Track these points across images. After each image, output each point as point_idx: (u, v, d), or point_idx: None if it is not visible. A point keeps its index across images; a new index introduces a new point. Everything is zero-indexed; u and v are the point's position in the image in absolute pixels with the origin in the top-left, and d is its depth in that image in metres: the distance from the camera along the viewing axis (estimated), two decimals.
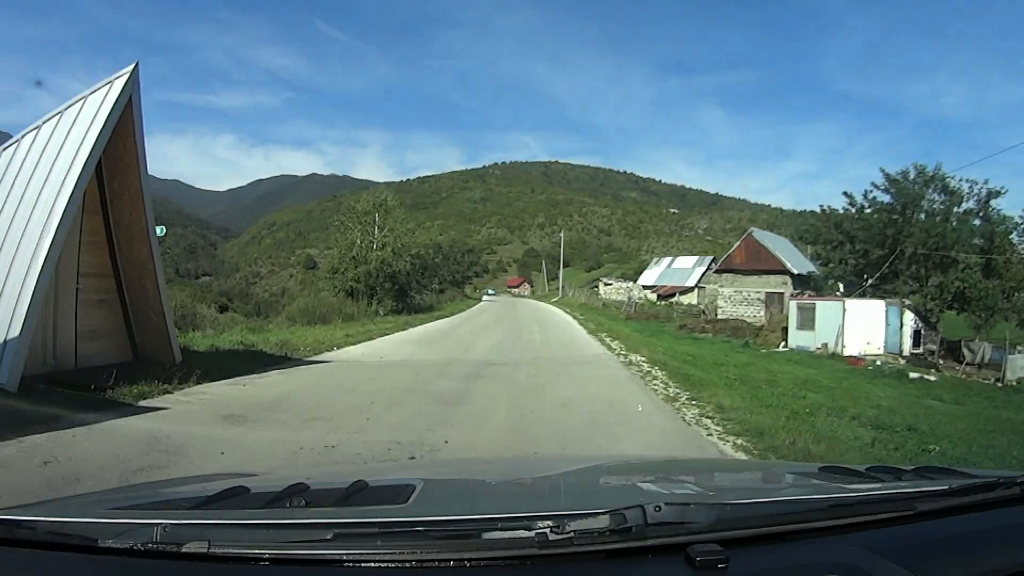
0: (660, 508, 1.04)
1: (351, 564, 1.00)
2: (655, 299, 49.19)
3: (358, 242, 32.02)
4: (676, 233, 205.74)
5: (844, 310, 22.32)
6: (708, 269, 46.59)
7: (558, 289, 75.57)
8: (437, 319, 28.63)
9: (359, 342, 16.05)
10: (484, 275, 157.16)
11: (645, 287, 54.44)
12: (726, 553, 1.00)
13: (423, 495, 1.38)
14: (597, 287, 66.12)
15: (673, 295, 48.57)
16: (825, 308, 23.04)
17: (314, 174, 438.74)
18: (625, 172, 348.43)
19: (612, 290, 59.18)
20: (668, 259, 62.35)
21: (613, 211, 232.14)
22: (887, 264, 23.08)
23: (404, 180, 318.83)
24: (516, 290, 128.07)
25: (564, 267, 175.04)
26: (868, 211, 24.74)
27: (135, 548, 1.01)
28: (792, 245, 38.80)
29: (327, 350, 13.87)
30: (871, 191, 25.09)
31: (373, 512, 1.22)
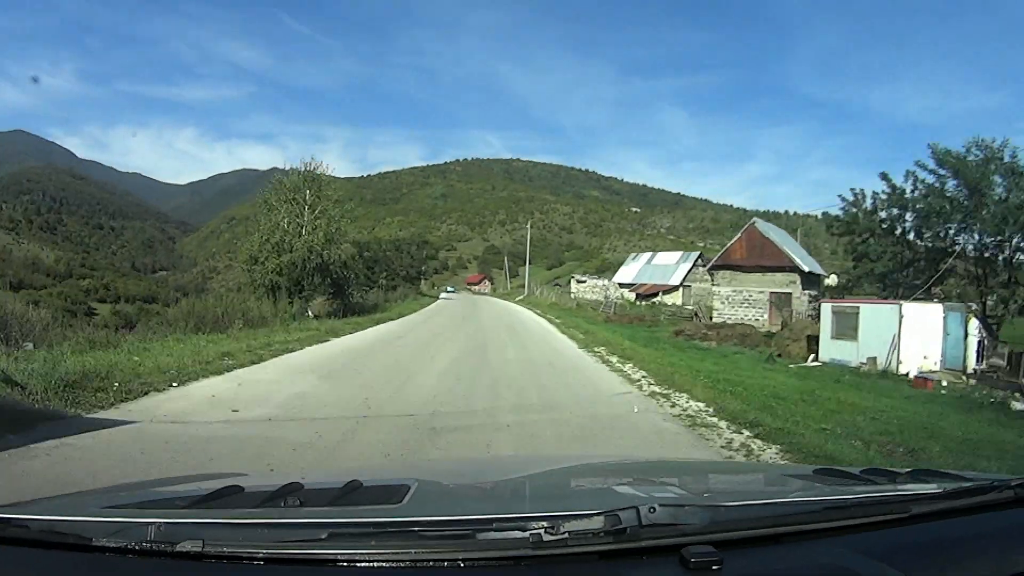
0: (655, 509, 1.04)
1: (346, 564, 0.99)
2: (633, 299, 44.13)
3: (284, 225, 25.70)
4: (639, 231, 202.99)
5: (901, 316, 17.43)
6: (695, 265, 41.88)
7: (522, 287, 70.53)
8: (378, 323, 22.73)
9: (236, 367, 10.09)
10: (443, 272, 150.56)
11: (622, 285, 49.08)
12: (720, 555, 1.00)
13: (418, 495, 1.37)
14: (566, 285, 60.94)
15: (655, 294, 43.68)
16: (873, 313, 18.08)
17: (275, 168, 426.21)
18: (587, 171, 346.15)
19: (586, 288, 53.39)
20: (647, 255, 57.13)
21: (575, 209, 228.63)
22: (952, 258, 18.27)
23: (364, 176, 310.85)
24: (477, 287, 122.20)
25: (524, 265, 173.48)
26: (917, 194, 19.89)
27: (129, 547, 1.00)
28: (793, 240, 34.21)
29: (166, 386, 8.04)
30: (914, 171, 20.31)
31: (368, 512, 1.21)
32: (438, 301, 47.80)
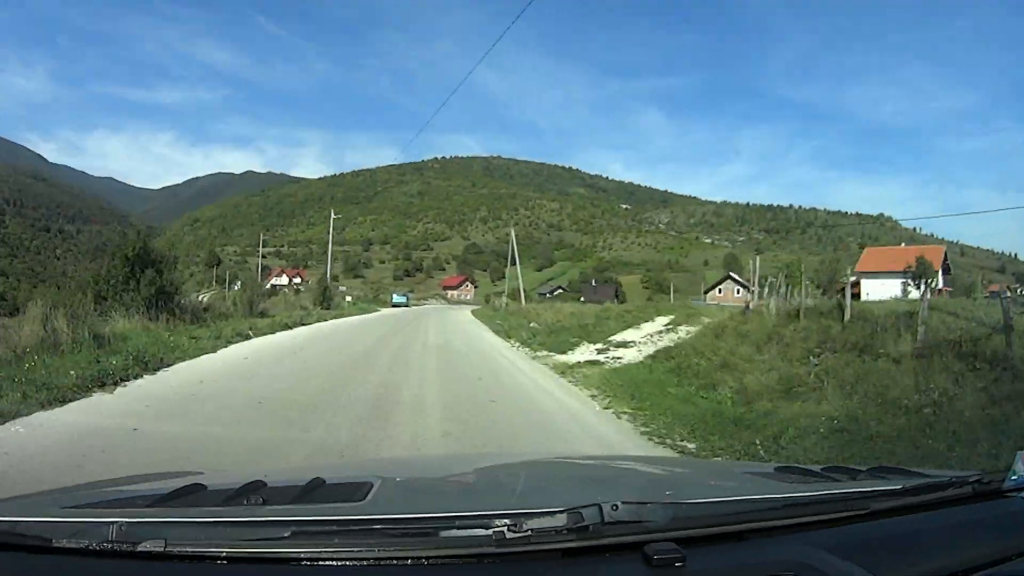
0: (617, 507, 1.05)
1: (308, 563, 0.99)
2: None
3: None
4: (634, 228, 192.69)
5: None
6: None
7: (514, 293, 50.54)
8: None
9: None
10: (416, 274, 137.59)
11: None
12: (683, 552, 1.01)
13: (381, 493, 1.36)
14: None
15: None
16: None
17: (250, 171, 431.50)
18: (570, 168, 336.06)
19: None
20: None
21: (563, 205, 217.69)
22: None
23: (337, 174, 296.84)
24: (455, 293, 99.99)
25: (512, 265, 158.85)
26: None
27: (90, 547, 1.00)
28: None
29: None
30: None
31: (330, 510, 1.21)
32: (356, 318, 29.88)
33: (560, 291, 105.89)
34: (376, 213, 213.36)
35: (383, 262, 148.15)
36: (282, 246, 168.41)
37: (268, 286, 54.98)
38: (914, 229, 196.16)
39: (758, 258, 27.53)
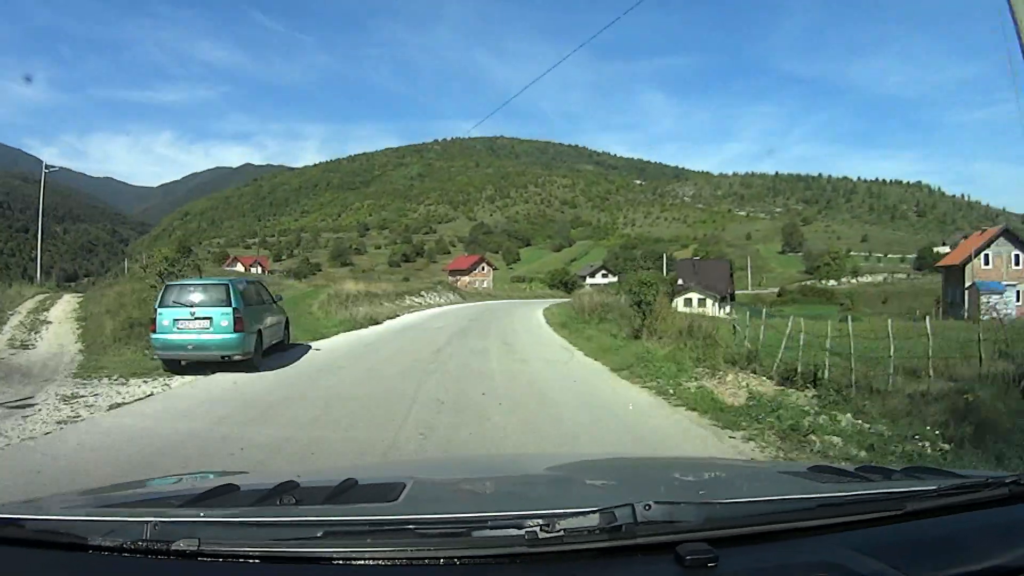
0: (650, 507, 1.04)
1: (341, 562, 0.99)
2: None
3: None
4: (658, 202, 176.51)
5: None
6: None
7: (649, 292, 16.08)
8: None
9: None
10: (416, 259, 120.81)
11: None
12: (715, 552, 1.01)
13: (413, 493, 1.35)
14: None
15: None
16: None
17: (247, 164, 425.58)
18: (576, 146, 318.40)
19: None
20: None
21: (575, 182, 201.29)
22: None
23: (332, 160, 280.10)
24: (468, 279, 71.61)
25: (525, 247, 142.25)
26: None
27: (125, 546, 1.01)
28: None
29: None
30: None
31: (363, 510, 1.21)
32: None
33: (604, 272, 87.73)
34: (375, 198, 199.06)
35: (378, 247, 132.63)
36: (271, 236, 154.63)
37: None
38: (962, 197, 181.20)
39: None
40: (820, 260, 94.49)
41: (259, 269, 74.82)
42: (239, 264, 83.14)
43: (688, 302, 43.28)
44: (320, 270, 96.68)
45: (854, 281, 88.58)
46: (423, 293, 35.97)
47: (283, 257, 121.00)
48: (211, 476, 1.78)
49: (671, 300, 23.03)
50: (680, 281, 51.29)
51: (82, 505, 1.38)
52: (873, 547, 1.09)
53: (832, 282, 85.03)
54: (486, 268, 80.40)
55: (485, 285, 68.17)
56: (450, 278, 63.84)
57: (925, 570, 1.05)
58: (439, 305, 33.06)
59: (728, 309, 40.66)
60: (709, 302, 46.25)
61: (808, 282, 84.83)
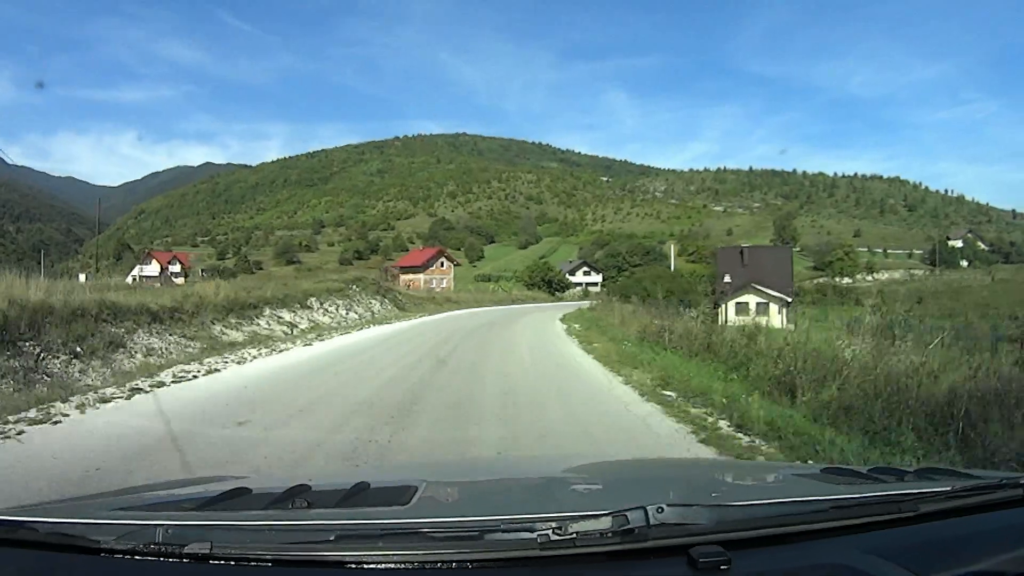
0: (662, 509, 1.03)
1: (353, 566, 0.99)
2: None
3: None
4: (628, 198, 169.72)
5: None
6: None
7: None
8: None
9: None
10: (369, 256, 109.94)
11: None
12: (728, 554, 1.00)
13: (425, 497, 1.36)
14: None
15: None
16: None
17: (208, 163, 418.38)
18: (541, 144, 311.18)
19: None
20: None
21: (540, 178, 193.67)
22: None
23: (292, 156, 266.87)
24: (421, 278, 59.23)
25: (488, 244, 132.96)
26: None
27: (137, 550, 1.01)
28: None
29: None
30: None
31: (375, 514, 1.21)
32: None
33: (586, 269, 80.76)
34: (332, 195, 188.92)
35: (331, 244, 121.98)
36: (223, 234, 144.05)
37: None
38: (946, 192, 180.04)
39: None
40: (831, 255, 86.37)
41: (177, 267, 64.18)
42: (154, 261, 71.78)
43: (742, 308, 33.48)
44: (261, 268, 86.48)
45: (870, 279, 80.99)
46: (310, 305, 19.44)
47: (228, 255, 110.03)
48: (223, 480, 1.77)
49: (715, 307, 14.72)
50: (727, 278, 40.19)
51: (94, 508, 1.39)
52: (887, 549, 1.09)
53: (847, 280, 77.00)
54: (446, 264, 67.22)
55: (444, 285, 58.04)
56: (401, 272, 53.34)
57: (939, 572, 1.04)
58: (328, 336, 15.67)
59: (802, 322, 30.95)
60: (773, 308, 35.65)
61: (821, 279, 76.45)
